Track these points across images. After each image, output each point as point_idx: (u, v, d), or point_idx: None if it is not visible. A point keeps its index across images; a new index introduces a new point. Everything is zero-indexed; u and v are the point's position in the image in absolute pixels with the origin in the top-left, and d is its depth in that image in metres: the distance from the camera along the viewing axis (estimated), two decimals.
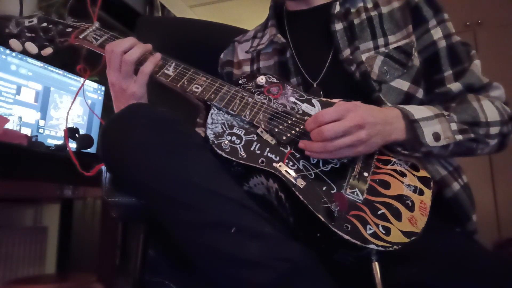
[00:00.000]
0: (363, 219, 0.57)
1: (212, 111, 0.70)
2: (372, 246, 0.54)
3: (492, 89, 0.75)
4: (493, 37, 2.14)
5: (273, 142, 0.67)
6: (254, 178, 0.66)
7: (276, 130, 0.68)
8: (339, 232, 0.55)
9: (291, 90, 0.75)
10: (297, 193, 0.59)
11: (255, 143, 0.66)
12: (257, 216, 0.58)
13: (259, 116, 0.69)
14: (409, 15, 0.78)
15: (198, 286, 0.68)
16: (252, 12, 3.12)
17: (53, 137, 1.70)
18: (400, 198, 0.61)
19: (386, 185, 0.63)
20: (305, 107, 0.72)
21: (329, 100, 0.73)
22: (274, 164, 0.63)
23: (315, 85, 0.80)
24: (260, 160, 0.64)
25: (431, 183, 0.65)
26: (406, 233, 0.57)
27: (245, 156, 0.64)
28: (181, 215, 0.58)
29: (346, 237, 0.55)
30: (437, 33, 0.77)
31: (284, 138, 0.67)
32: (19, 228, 1.77)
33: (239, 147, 0.65)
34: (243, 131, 0.68)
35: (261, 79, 0.76)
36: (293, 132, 0.67)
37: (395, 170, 0.65)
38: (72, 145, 1.46)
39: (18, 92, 1.53)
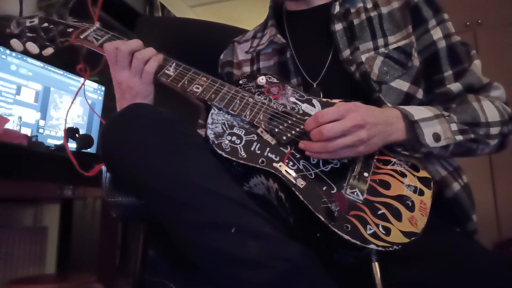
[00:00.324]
0: (363, 219, 0.57)
1: (212, 111, 0.70)
2: (372, 246, 0.54)
3: (492, 89, 0.75)
4: (493, 37, 2.14)
5: (273, 142, 0.67)
6: (254, 178, 0.66)
7: (276, 130, 0.68)
8: (339, 232, 0.55)
9: (291, 90, 0.75)
10: (297, 193, 0.59)
11: (255, 143, 0.66)
12: (257, 216, 0.58)
13: (259, 116, 0.69)
14: (409, 15, 0.78)
15: (198, 286, 0.68)
16: (252, 12, 3.12)
17: (53, 137, 1.69)
18: (400, 198, 0.61)
19: (386, 185, 0.63)
20: (305, 107, 0.72)
21: (329, 100, 0.73)
22: (274, 164, 0.63)
23: (315, 86, 0.80)
24: (260, 160, 0.64)
25: (431, 183, 0.65)
26: (406, 233, 0.57)
27: (245, 156, 0.64)
28: (181, 215, 0.58)
29: (346, 237, 0.55)
30: (437, 33, 0.77)
31: (284, 138, 0.67)
32: (19, 228, 1.77)
33: (239, 147, 0.65)
34: (243, 131, 0.68)
35: (262, 79, 0.76)
36: (293, 132, 0.67)
37: (395, 171, 0.65)
38: (72, 145, 1.46)
39: (18, 92, 1.52)
